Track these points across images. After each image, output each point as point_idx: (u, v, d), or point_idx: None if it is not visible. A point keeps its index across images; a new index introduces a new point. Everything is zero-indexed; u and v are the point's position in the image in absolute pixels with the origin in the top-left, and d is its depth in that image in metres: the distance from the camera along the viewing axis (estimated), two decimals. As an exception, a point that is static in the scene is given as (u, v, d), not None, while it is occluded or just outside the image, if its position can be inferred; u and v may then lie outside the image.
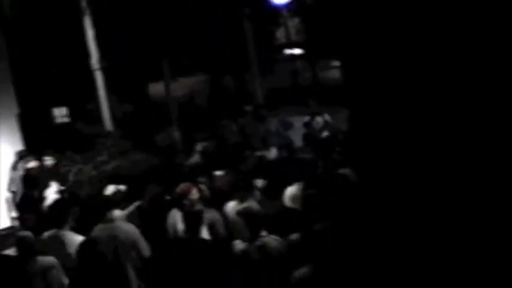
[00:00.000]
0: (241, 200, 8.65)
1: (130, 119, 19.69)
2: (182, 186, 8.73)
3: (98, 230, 8.27)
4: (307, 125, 15.68)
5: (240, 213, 7.46)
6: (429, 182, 2.31)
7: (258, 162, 12.20)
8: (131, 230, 8.29)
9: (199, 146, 13.35)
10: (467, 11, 2.04)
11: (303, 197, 8.13)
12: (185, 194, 8.57)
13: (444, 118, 2.20)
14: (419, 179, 2.33)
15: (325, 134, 15.25)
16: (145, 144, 16.30)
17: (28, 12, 16.63)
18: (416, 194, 2.35)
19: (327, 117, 15.83)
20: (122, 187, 10.17)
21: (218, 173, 10.48)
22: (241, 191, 8.94)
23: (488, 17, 2.03)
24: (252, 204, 7.78)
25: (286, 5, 21.89)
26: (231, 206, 8.78)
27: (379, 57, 2.36)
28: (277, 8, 22.22)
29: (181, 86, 22.57)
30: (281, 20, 24.33)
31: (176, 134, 17.36)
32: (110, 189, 10.04)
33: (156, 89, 22.74)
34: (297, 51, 26.73)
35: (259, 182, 9.33)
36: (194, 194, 8.61)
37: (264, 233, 7.16)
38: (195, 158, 12.98)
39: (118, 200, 9.41)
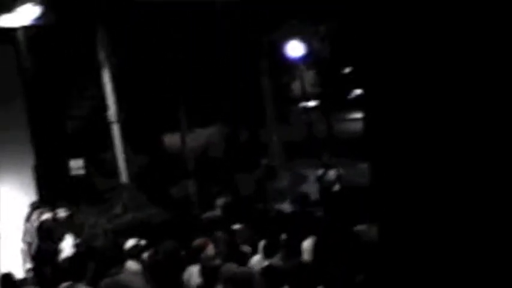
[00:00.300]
0: (267, 255, 8.59)
1: (146, 171, 19.70)
2: (198, 241, 8.67)
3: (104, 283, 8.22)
4: (320, 178, 15.70)
5: (264, 272, 7.42)
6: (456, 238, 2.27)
7: (277, 216, 12.16)
8: (139, 283, 8.22)
9: (219, 201, 13.33)
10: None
11: (313, 251, 8.16)
12: (202, 248, 8.51)
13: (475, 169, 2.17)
14: (449, 244, 2.28)
15: (337, 187, 15.25)
16: (160, 197, 16.30)
17: (47, 64, 16.79)
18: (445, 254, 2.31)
19: (341, 170, 15.84)
20: (142, 241, 10.15)
21: (237, 227, 10.43)
22: (267, 246, 8.88)
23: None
24: (275, 261, 7.76)
25: (302, 58, 22.08)
26: (256, 261, 8.71)
27: (403, 105, 2.34)
28: (293, 61, 22.38)
29: (197, 137, 22.61)
30: (297, 73, 24.48)
31: (192, 187, 17.35)
32: (130, 242, 10.02)
33: (172, 140, 22.80)
34: (312, 103, 26.85)
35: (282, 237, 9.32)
36: (210, 249, 8.55)
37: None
38: (216, 212, 12.96)
39: (137, 254, 9.41)
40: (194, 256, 8.55)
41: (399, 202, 2.36)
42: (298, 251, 8.40)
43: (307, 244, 8.50)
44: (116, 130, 16.52)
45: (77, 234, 12.84)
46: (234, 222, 10.59)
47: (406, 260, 2.33)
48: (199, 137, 23.05)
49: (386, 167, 2.43)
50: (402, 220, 2.36)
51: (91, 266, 8.77)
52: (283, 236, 9.28)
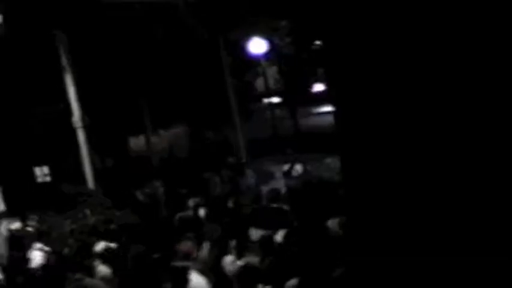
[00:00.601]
0: (239, 254, 8.57)
1: (112, 174, 19.59)
2: (185, 245, 8.68)
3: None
4: (286, 174, 15.75)
5: (241, 271, 7.41)
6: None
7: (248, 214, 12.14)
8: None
9: (191, 202, 13.29)
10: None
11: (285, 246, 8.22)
12: (191, 253, 8.56)
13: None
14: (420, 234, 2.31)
15: (301, 182, 15.32)
16: (127, 199, 16.20)
17: (9, 70, 16.64)
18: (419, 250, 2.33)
19: (307, 165, 15.91)
20: (113, 244, 10.10)
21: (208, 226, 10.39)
22: (237, 245, 8.87)
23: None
24: (250, 259, 7.77)
25: (264, 55, 22.11)
26: (229, 261, 8.67)
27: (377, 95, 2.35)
28: (255, 58, 22.41)
29: (162, 139, 22.57)
30: (259, 70, 24.52)
31: (159, 188, 17.26)
32: (100, 245, 9.96)
33: (137, 142, 22.72)
34: (276, 99, 26.90)
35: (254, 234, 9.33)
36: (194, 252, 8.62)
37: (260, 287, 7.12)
38: (189, 213, 12.91)
39: (108, 257, 9.37)
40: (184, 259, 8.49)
41: (370, 195, 2.37)
42: (271, 248, 8.40)
43: (279, 238, 8.53)
44: (80, 135, 16.37)
45: (46, 242, 12.73)
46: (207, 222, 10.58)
47: (375, 252, 2.35)
48: (164, 138, 23.01)
49: (356, 161, 2.43)
50: (372, 213, 2.37)
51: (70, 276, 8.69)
52: (255, 234, 9.28)
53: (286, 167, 16.04)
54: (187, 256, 8.45)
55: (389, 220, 2.26)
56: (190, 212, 12.89)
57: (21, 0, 15.15)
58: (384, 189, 2.27)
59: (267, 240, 8.63)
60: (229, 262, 8.58)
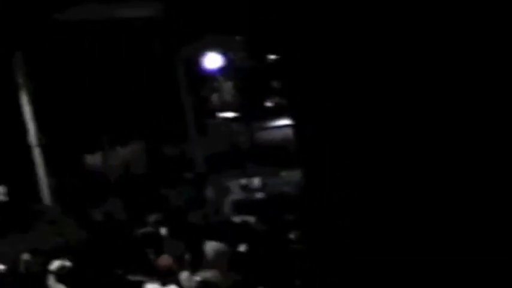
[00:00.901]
0: (193, 270, 8.62)
1: (68, 192, 19.44)
2: (165, 261, 8.69)
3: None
4: (244, 187, 15.85)
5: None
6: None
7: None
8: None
9: (151, 218, 13.29)
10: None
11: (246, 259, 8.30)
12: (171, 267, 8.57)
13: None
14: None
15: (260, 195, 15.43)
16: (85, 217, 16.12)
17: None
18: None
19: (266, 179, 16.03)
20: (68, 263, 10.05)
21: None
22: (192, 260, 8.92)
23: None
24: (207, 275, 7.80)
25: (220, 70, 22.20)
26: (185, 276, 8.70)
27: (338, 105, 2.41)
28: (210, 74, 22.49)
29: (118, 156, 22.44)
30: (215, 85, 24.57)
31: (117, 205, 17.21)
32: (55, 264, 9.92)
33: (93, 160, 22.56)
34: (232, 114, 26.93)
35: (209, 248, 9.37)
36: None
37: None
38: (148, 229, 12.90)
39: (63, 276, 9.32)
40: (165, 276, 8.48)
41: (330, 208, 2.40)
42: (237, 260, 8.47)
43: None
44: (37, 154, 16.26)
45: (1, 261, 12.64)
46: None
47: (334, 264, 2.39)
48: (121, 154, 22.88)
49: (318, 173, 2.47)
50: (333, 225, 2.40)
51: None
52: (210, 248, 9.33)
53: (244, 181, 16.14)
54: (168, 271, 8.47)
55: (355, 231, 2.32)
56: (150, 229, 12.89)
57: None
58: (347, 201, 2.31)
59: (232, 254, 8.70)
60: (186, 277, 8.62)
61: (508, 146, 2.05)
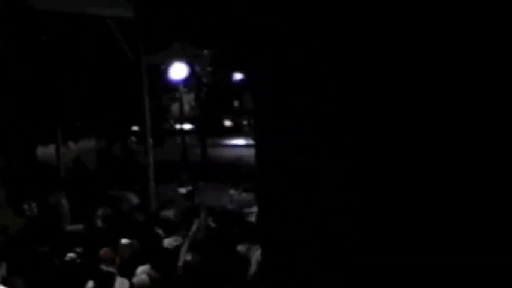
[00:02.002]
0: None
1: (15, 178, 19.26)
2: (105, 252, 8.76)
3: None
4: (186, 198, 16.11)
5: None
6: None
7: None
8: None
9: (100, 212, 13.28)
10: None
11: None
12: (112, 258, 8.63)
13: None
14: None
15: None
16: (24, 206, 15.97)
17: None
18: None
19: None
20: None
21: (124, 241, 10.40)
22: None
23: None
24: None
25: (183, 81, 22.27)
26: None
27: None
28: (174, 83, 22.55)
29: (70, 151, 22.36)
30: (176, 95, 24.65)
31: (64, 200, 17.09)
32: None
33: (45, 151, 22.43)
34: (188, 126, 27.04)
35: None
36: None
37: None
38: (98, 224, 12.90)
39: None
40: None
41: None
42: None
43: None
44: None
45: None
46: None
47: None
48: (73, 150, 22.78)
49: (276, 194, 2.52)
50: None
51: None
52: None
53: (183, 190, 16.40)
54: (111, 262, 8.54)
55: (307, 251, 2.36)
56: (98, 222, 12.89)
57: None
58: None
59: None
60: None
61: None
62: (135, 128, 23.55)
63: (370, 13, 2.19)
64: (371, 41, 2.18)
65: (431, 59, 2.08)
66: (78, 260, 9.45)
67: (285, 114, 2.33)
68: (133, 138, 23.91)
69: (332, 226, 2.26)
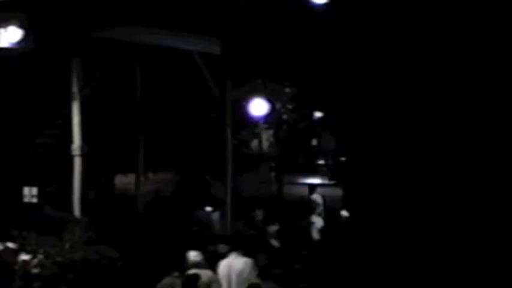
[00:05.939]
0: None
1: (96, 207, 19.57)
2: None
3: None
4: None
5: None
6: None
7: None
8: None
9: None
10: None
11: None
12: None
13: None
14: None
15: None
16: (110, 235, 16.21)
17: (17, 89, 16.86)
18: None
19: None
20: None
21: None
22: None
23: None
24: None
25: (263, 117, 22.36)
26: None
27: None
28: (253, 119, 22.68)
29: (149, 182, 22.65)
30: (256, 131, 24.79)
31: (142, 229, 17.32)
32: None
33: (123, 180, 22.76)
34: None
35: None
36: None
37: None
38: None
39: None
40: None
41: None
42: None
43: None
44: (77, 163, 16.43)
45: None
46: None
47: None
48: (151, 181, 23.08)
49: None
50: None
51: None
52: None
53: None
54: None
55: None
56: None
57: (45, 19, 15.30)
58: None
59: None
60: None
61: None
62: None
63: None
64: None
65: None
66: None
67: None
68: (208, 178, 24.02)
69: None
